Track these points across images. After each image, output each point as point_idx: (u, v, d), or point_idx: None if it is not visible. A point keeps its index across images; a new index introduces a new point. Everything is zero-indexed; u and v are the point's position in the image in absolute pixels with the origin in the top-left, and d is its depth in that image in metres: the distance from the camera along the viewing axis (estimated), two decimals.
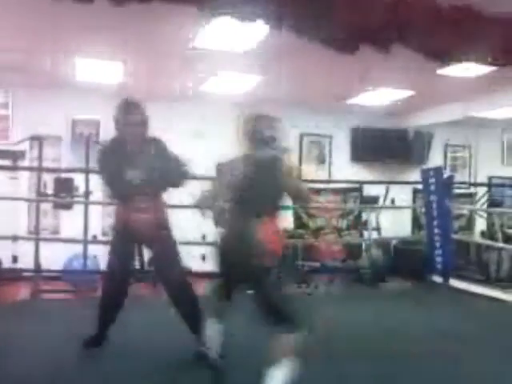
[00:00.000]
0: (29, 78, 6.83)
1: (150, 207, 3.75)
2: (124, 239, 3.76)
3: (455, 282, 6.81)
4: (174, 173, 3.86)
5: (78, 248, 6.23)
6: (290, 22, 3.37)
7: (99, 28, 4.85)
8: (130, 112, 3.65)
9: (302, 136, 9.11)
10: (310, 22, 3.25)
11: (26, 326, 4.19)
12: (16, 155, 7.07)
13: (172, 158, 3.87)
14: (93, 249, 6.30)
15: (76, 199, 6.76)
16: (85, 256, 6.08)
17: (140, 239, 3.85)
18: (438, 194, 6.99)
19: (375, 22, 3.45)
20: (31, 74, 6.64)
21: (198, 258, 8.00)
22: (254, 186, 3.07)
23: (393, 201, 8.18)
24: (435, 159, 9.20)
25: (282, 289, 3.05)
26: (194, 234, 7.60)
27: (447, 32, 3.71)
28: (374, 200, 8.18)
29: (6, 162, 7.02)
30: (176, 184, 3.90)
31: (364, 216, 8.12)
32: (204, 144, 8.38)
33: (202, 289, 6.77)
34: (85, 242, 6.06)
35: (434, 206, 7.03)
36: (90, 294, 5.54)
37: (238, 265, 3.03)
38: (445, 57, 4.01)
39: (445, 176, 7.49)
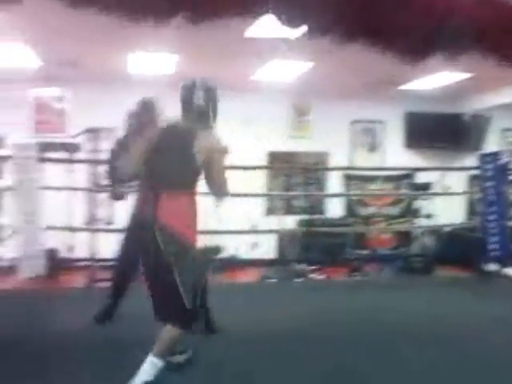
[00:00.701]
0: (84, 72, 7.04)
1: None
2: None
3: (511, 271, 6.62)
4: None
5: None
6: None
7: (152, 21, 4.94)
8: (147, 110, 3.85)
9: (353, 123, 9.01)
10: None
11: (82, 311, 4.34)
12: (72, 148, 7.31)
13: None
14: None
15: (129, 189, 6.92)
16: None
17: None
18: (496, 179, 6.80)
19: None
20: (86, 69, 6.85)
21: (248, 246, 8.10)
22: (160, 159, 2.77)
23: (447, 187, 7.98)
24: (491, 145, 8.90)
25: (186, 280, 2.70)
26: (243, 222, 7.69)
27: None
28: (426, 187, 8.01)
29: (63, 155, 7.27)
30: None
31: (416, 203, 7.97)
32: (253, 132, 8.44)
33: (251, 276, 6.93)
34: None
35: (491, 192, 6.84)
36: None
37: (139, 249, 2.83)
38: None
39: (502, 161, 7.26)
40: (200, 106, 2.84)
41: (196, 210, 2.86)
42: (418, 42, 3.00)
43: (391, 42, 2.93)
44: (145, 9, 2.85)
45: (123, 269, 4.02)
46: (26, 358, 3.34)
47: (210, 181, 2.84)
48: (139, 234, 2.81)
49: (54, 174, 6.28)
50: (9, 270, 5.63)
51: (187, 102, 2.86)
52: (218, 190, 2.87)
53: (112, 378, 3.02)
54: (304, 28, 3.06)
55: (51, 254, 6.16)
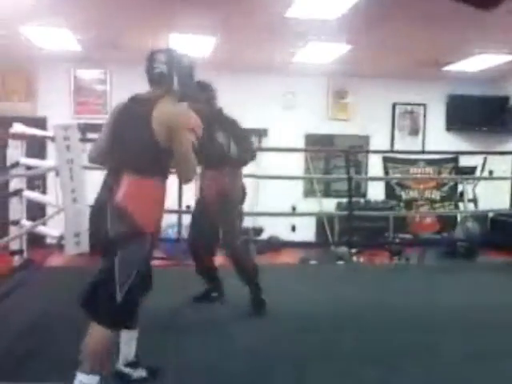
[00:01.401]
0: (125, 54, 7.07)
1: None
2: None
3: None
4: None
5: (174, 217, 6.45)
6: None
7: (191, 3, 4.93)
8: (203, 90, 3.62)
9: (394, 105, 8.86)
10: None
11: None
12: None
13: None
14: (187, 218, 6.50)
15: None
16: (179, 224, 6.29)
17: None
18: None
19: None
20: (127, 50, 6.87)
21: (288, 228, 8.09)
22: (118, 137, 2.43)
23: (491, 172, 7.79)
24: None
25: (127, 268, 2.29)
26: (284, 204, 7.67)
27: None
28: (470, 171, 7.83)
29: None
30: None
31: (460, 187, 7.81)
32: (293, 115, 8.38)
33: (290, 258, 6.92)
34: (179, 212, 6.27)
35: None
36: (184, 262, 5.67)
37: (94, 233, 2.48)
38: None
39: None
40: (160, 69, 2.45)
41: (159, 196, 2.42)
42: None
43: None
44: None
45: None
46: None
47: (175, 158, 2.39)
48: (92, 212, 2.45)
49: None
50: (55, 247, 5.74)
51: (148, 70, 2.49)
52: (180, 174, 2.44)
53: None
54: None
55: None
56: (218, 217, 3.79)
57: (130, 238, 2.29)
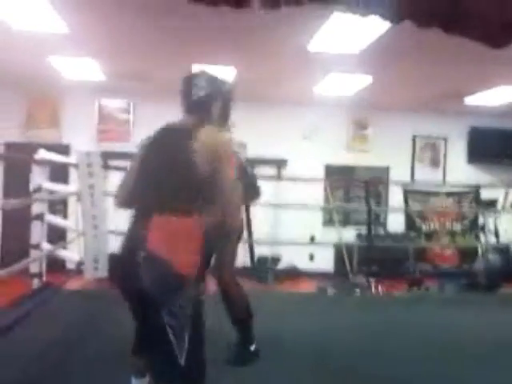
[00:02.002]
0: (148, 85, 7.24)
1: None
2: None
3: None
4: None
5: None
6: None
7: (215, 35, 5.05)
8: None
9: (414, 137, 8.86)
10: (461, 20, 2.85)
11: None
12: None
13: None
14: None
15: None
16: None
17: None
18: None
19: None
20: (150, 81, 7.03)
21: (306, 258, 8.06)
22: (152, 172, 2.10)
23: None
24: None
25: (179, 324, 1.96)
26: (303, 234, 7.66)
27: None
28: (491, 203, 7.76)
29: (127, 163, 7.46)
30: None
31: (481, 220, 7.73)
32: (313, 145, 8.43)
33: (309, 286, 6.87)
34: None
35: None
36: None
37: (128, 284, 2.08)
38: None
39: None
40: (199, 95, 2.19)
41: (198, 234, 2.04)
42: (500, 27, 2.83)
43: (470, 26, 2.78)
44: None
45: None
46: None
47: (216, 195, 2.05)
48: (123, 259, 2.09)
49: (117, 181, 6.43)
50: (74, 271, 5.80)
51: (185, 96, 2.22)
52: (221, 212, 2.06)
53: None
54: (375, 17, 2.84)
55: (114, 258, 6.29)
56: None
57: (174, 290, 1.97)
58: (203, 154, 2.01)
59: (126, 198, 2.24)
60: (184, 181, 2.02)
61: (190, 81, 2.23)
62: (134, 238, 2.04)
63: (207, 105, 2.22)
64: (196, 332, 2.01)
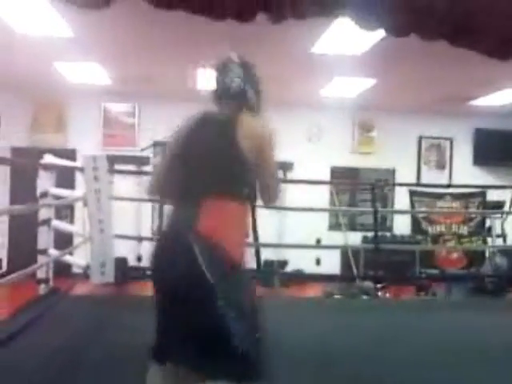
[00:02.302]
0: (153, 89, 7.24)
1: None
2: None
3: None
4: None
5: None
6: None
7: (220, 39, 5.04)
8: None
9: (420, 138, 8.84)
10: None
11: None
12: (141, 161, 7.52)
13: None
14: None
15: None
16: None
17: None
18: None
19: None
20: (155, 85, 7.04)
21: (313, 261, 8.03)
22: (193, 161, 2.09)
23: None
24: None
25: (238, 311, 1.92)
26: (309, 237, 7.64)
27: None
28: (498, 205, 7.72)
29: (133, 167, 7.48)
30: None
31: (488, 222, 7.70)
32: (319, 148, 8.42)
33: (315, 291, 6.86)
34: None
35: None
36: None
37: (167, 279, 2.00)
38: None
39: None
40: (237, 83, 2.18)
41: (246, 221, 2.12)
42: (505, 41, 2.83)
43: (477, 40, 2.77)
44: (226, 8, 2.77)
45: None
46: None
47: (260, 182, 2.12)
48: (168, 247, 2.03)
49: (123, 185, 6.45)
50: (81, 276, 5.80)
51: (222, 84, 2.20)
52: (267, 195, 2.14)
53: None
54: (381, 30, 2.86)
55: (120, 263, 6.28)
56: None
57: (230, 277, 1.94)
58: (250, 139, 2.04)
59: (158, 187, 2.24)
60: (230, 167, 2.04)
61: (225, 68, 2.23)
62: (182, 224, 2.00)
63: (244, 92, 2.20)
64: (253, 319, 2.00)
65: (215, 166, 2.05)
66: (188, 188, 2.07)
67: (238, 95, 2.18)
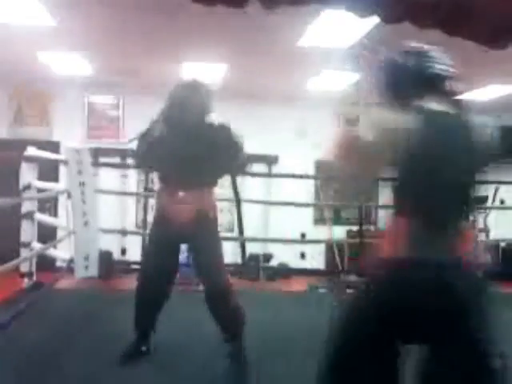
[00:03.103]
0: (137, 81, 7.18)
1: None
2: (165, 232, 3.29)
3: None
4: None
5: None
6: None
7: (205, 32, 5.02)
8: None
9: None
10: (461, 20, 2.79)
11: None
12: (125, 153, 7.46)
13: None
14: None
15: None
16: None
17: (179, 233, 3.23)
18: None
19: None
20: (140, 77, 6.98)
21: (298, 255, 8.06)
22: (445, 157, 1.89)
23: (502, 201, 7.75)
24: None
25: None
26: (294, 231, 7.66)
27: None
28: (481, 200, 7.78)
29: (117, 160, 7.43)
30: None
31: (471, 217, 7.76)
32: (305, 142, 8.40)
33: (299, 285, 6.88)
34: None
35: None
36: (188, 287, 5.58)
37: None
38: None
39: None
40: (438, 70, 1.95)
41: None
42: (498, 28, 2.82)
43: (470, 28, 2.76)
44: None
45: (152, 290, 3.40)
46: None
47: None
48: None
49: (107, 178, 6.40)
50: (64, 270, 5.75)
51: (422, 71, 1.97)
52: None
53: None
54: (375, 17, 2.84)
55: (105, 256, 6.25)
56: (200, 244, 3.24)
57: None
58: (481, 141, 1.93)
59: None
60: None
61: (424, 54, 2.04)
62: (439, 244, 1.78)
63: (444, 79, 2.03)
64: None
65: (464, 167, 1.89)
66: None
67: (440, 84, 1.99)
